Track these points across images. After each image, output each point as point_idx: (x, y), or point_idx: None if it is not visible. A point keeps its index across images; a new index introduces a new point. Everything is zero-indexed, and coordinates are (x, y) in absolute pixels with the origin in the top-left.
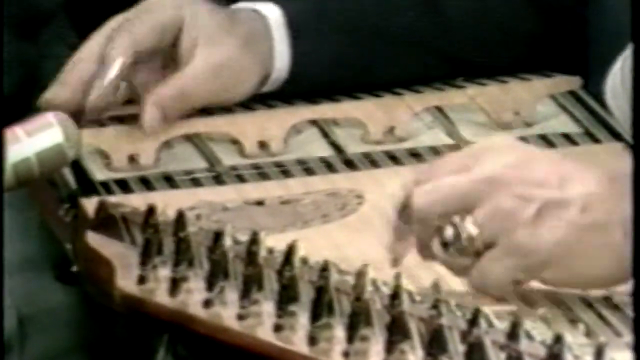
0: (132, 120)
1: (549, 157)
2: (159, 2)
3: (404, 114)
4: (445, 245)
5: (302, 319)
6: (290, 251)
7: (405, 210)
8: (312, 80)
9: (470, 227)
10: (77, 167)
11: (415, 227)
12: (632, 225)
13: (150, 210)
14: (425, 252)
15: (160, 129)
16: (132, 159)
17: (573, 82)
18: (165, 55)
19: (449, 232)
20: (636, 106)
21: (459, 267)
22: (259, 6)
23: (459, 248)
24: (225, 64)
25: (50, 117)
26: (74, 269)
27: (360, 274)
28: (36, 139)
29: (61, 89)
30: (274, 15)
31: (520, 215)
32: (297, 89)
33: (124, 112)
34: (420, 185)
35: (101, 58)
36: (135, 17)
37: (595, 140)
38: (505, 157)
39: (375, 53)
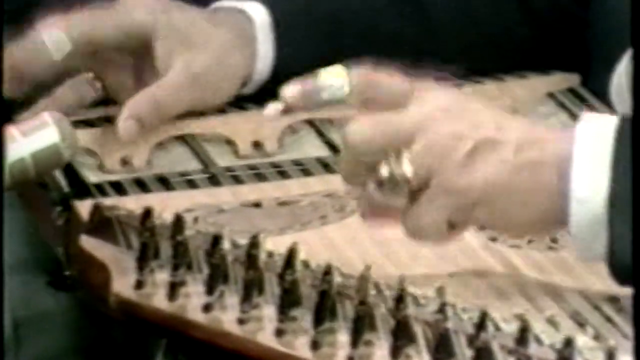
0: None
1: (484, 104)
2: (132, 4)
3: None
4: (380, 184)
5: (305, 324)
6: (291, 254)
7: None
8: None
9: (405, 164)
10: (70, 169)
11: (346, 160)
12: (632, 226)
13: (147, 213)
14: (354, 181)
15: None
16: (125, 161)
17: (572, 80)
18: (140, 59)
19: (384, 170)
20: (636, 106)
21: (394, 209)
22: (244, 6)
23: (394, 186)
24: (204, 73)
25: (46, 116)
26: (67, 274)
27: (363, 278)
28: (32, 139)
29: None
30: (260, 15)
31: (453, 153)
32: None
33: (115, 112)
34: (355, 120)
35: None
36: (102, 12)
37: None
38: (443, 99)
39: (359, 56)
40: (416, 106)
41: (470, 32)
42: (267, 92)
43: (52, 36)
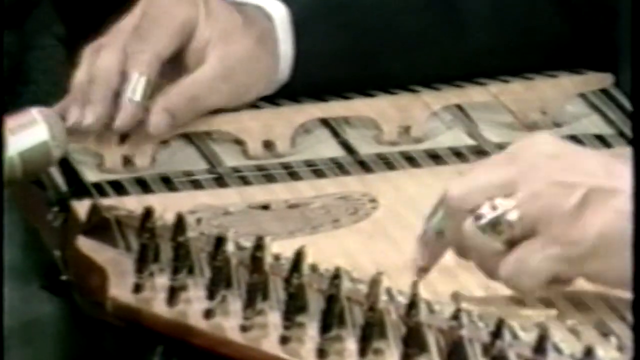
0: None
1: (593, 152)
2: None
3: (420, 113)
4: (478, 218)
5: (311, 331)
6: (298, 257)
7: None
8: (313, 81)
9: (509, 209)
10: (67, 167)
11: (448, 221)
12: (632, 226)
13: (147, 214)
14: (457, 244)
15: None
16: (127, 159)
17: (604, 80)
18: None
19: (486, 208)
20: (636, 106)
21: (490, 252)
22: (263, 3)
23: (495, 225)
24: (239, 67)
25: (34, 113)
26: (64, 277)
27: (374, 282)
28: (20, 137)
29: (88, 112)
30: (279, 13)
31: (563, 202)
32: (296, 90)
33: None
34: (457, 179)
35: (122, 74)
36: (150, 22)
37: (630, 142)
38: (547, 148)
39: (383, 52)
40: (519, 155)
41: (502, 28)
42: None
43: (137, 91)
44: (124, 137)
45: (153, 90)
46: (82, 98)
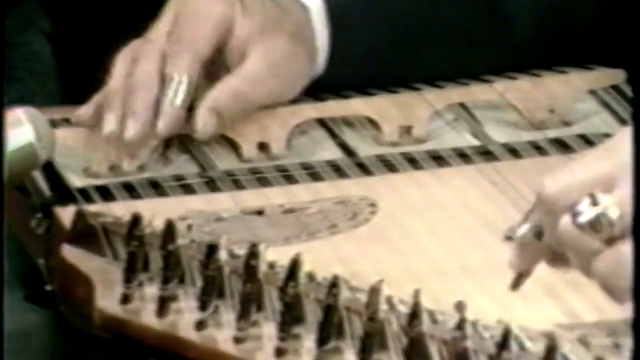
0: None
1: None
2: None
3: (422, 112)
4: (576, 215)
5: (308, 343)
6: (294, 265)
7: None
8: (350, 76)
9: (610, 206)
10: (51, 171)
11: (544, 219)
12: (633, 226)
13: (135, 221)
14: (556, 262)
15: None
16: (113, 164)
17: (615, 76)
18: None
19: (584, 204)
20: (636, 106)
21: (585, 251)
22: None
23: (595, 224)
24: (282, 61)
25: (19, 113)
26: (48, 287)
27: (373, 291)
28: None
29: (130, 123)
30: (315, 3)
31: None
32: (330, 86)
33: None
34: (552, 174)
35: (161, 78)
36: (185, 24)
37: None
38: None
39: (422, 46)
40: (617, 148)
41: (547, 19)
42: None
43: (179, 94)
44: (167, 143)
45: (195, 93)
46: (120, 107)
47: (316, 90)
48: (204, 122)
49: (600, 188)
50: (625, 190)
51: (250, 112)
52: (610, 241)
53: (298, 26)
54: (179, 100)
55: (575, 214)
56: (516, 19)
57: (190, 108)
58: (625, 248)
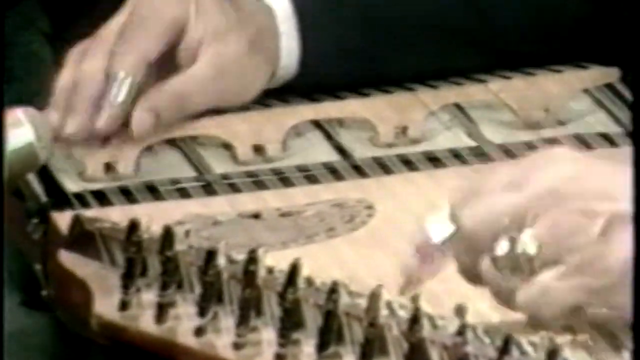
0: None
1: (610, 167)
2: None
3: (418, 113)
4: (495, 260)
5: (308, 348)
6: (293, 271)
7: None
8: (324, 77)
9: (529, 243)
10: (47, 176)
11: (462, 251)
12: (632, 226)
13: (133, 226)
14: (470, 276)
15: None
16: (109, 166)
17: (610, 75)
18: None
19: (502, 246)
20: (636, 106)
21: (508, 290)
22: None
23: (513, 265)
24: (232, 66)
25: (19, 113)
26: (44, 292)
27: (373, 296)
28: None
29: (70, 120)
30: (281, 6)
31: (585, 231)
32: (305, 87)
33: None
34: (467, 204)
35: (106, 76)
36: (137, 23)
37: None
38: (562, 167)
39: (397, 43)
40: (536, 176)
41: (526, 12)
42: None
43: (122, 92)
44: (106, 141)
45: (141, 93)
46: (64, 104)
47: (289, 92)
48: (138, 122)
49: (518, 222)
50: (546, 222)
51: (193, 114)
52: (532, 274)
53: (259, 30)
54: (120, 98)
55: (494, 259)
56: (495, 14)
57: None
58: (545, 278)
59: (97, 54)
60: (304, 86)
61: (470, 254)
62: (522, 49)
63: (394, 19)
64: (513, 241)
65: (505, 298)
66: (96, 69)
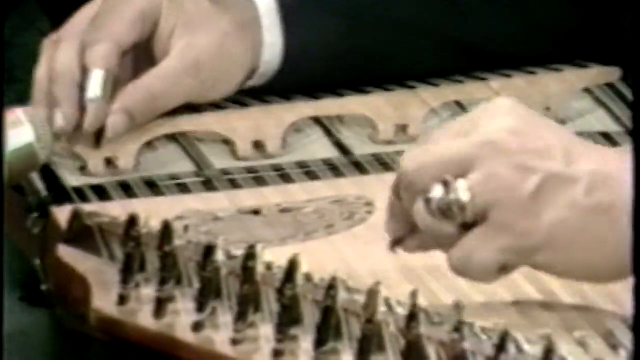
0: None
1: (554, 126)
2: None
3: (418, 111)
4: (428, 202)
5: (306, 344)
6: (291, 267)
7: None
8: (307, 73)
9: (462, 190)
10: (47, 171)
11: (402, 195)
12: (633, 226)
13: (132, 221)
14: (401, 219)
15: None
16: (110, 162)
17: (611, 74)
18: (140, 47)
19: (437, 190)
20: (637, 105)
21: (441, 236)
22: None
23: (446, 210)
24: (205, 60)
25: (19, 113)
26: (44, 287)
27: (371, 293)
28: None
29: (57, 114)
30: (265, 0)
31: (518, 188)
32: (289, 83)
33: None
34: (413, 149)
35: (83, 68)
36: (108, 11)
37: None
38: (506, 120)
39: (379, 42)
40: (478, 126)
41: (504, 15)
42: (271, 88)
43: (97, 89)
44: (100, 140)
45: (117, 84)
46: (47, 98)
47: (272, 87)
48: (114, 123)
49: (457, 169)
50: (480, 173)
51: (167, 110)
52: (466, 227)
53: (238, 22)
54: (97, 94)
55: (427, 200)
56: (471, 11)
57: None
58: (475, 239)
59: (69, 44)
60: (285, 84)
61: (407, 195)
62: (500, 51)
63: (378, 17)
64: (448, 186)
65: (442, 246)
66: (70, 60)
